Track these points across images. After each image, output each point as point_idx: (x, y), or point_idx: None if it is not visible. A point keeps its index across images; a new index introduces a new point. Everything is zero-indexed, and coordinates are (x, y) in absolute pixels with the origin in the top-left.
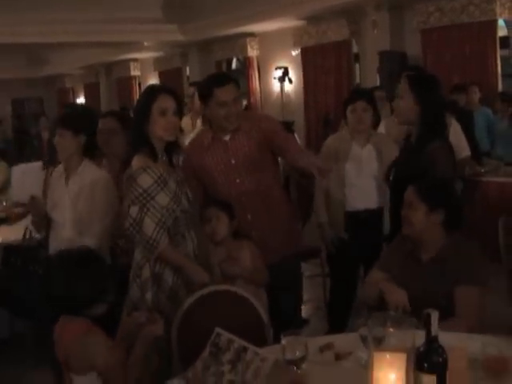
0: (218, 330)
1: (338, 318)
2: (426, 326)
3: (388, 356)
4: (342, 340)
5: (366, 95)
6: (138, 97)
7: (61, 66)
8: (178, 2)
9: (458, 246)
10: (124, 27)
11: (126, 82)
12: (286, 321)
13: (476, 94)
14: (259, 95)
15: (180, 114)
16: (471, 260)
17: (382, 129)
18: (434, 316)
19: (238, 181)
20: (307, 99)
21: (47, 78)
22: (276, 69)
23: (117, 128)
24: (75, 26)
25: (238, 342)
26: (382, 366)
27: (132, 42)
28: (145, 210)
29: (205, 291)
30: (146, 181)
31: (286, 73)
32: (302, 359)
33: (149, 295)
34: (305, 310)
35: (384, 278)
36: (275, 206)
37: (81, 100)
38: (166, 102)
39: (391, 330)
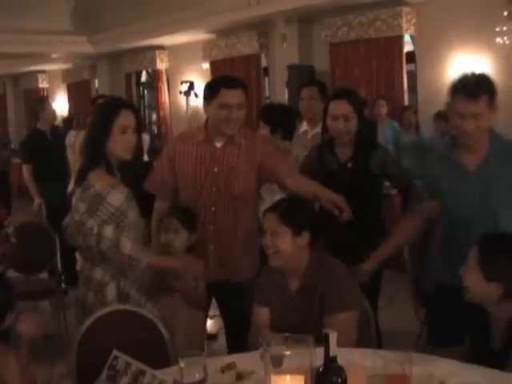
0: (115, 352)
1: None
2: (325, 346)
3: (288, 378)
4: (243, 359)
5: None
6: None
7: None
8: (87, 13)
9: (322, 269)
10: (32, 38)
11: (34, 94)
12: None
13: (383, 108)
14: (168, 109)
15: (139, 131)
16: (337, 285)
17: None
18: (333, 336)
19: (213, 189)
20: None
21: None
22: (182, 83)
23: None
24: None
25: (136, 364)
26: None
27: (40, 54)
28: (120, 228)
29: (103, 311)
30: (116, 199)
31: (191, 87)
32: (202, 382)
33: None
34: (213, 325)
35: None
36: (242, 228)
37: None
38: (128, 120)
39: (287, 352)
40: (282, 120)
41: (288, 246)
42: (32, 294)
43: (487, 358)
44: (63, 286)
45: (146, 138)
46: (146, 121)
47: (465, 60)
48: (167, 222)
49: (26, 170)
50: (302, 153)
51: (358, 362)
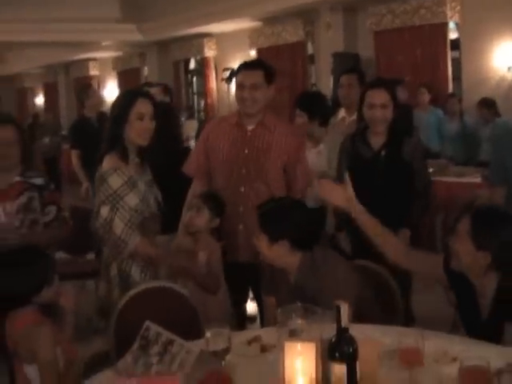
0: (147, 323)
1: None
2: (337, 317)
3: (299, 346)
4: (269, 333)
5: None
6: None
7: (19, 65)
8: (136, 2)
9: (314, 272)
10: (82, 26)
11: (85, 82)
12: None
13: (425, 95)
14: (216, 95)
15: (157, 119)
16: (326, 292)
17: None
18: (344, 308)
19: (243, 171)
20: None
21: (5, 78)
22: (223, 70)
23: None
24: (34, 25)
25: (166, 334)
26: (293, 354)
27: (90, 42)
28: (114, 210)
29: (140, 288)
30: (116, 181)
31: (233, 74)
32: (225, 351)
33: (116, 292)
34: (253, 307)
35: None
36: None
37: (40, 100)
38: (144, 107)
39: (302, 322)
40: (318, 107)
41: (266, 250)
42: (80, 274)
43: (476, 330)
44: None
45: (194, 124)
46: (195, 107)
47: (510, 47)
48: (193, 200)
49: (74, 156)
50: (339, 139)
51: (372, 336)
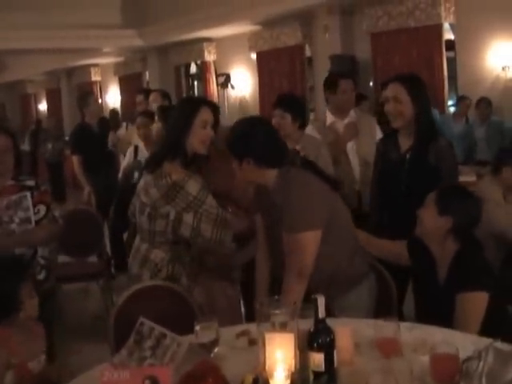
0: (141, 319)
1: None
2: (315, 309)
3: (277, 336)
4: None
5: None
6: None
7: (22, 71)
8: (136, 7)
9: (284, 187)
10: (83, 33)
11: (87, 88)
12: None
13: None
14: (217, 100)
15: (216, 126)
16: (291, 205)
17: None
18: (321, 300)
19: None
20: (262, 102)
21: (8, 84)
22: (218, 75)
23: None
24: (36, 31)
25: (158, 329)
26: (273, 344)
27: (92, 48)
28: (198, 215)
29: (139, 286)
30: (194, 188)
31: (227, 79)
32: (214, 343)
33: None
34: None
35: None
36: None
37: (43, 106)
38: (208, 115)
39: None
40: (301, 109)
41: (238, 172)
42: (82, 276)
43: (432, 299)
44: (113, 271)
45: None
46: None
47: (504, 47)
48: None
49: (75, 161)
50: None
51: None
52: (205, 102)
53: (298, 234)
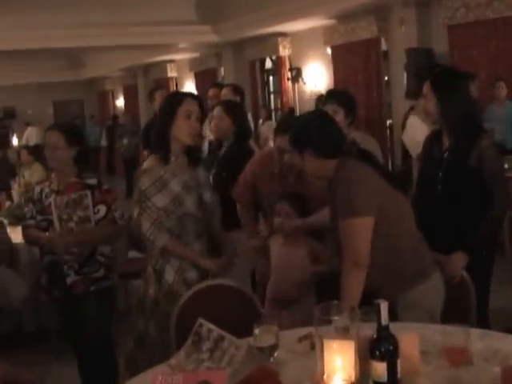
0: (200, 320)
1: None
2: (377, 316)
3: (335, 343)
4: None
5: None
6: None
7: (100, 68)
8: (210, 3)
9: (338, 175)
10: (159, 29)
11: (163, 83)
12: None
13: (503, 89)
14: (291, 94)
15: (202, 119)
16: (345, 191)
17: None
18: (384, 305)
19: None
20: None
21: (87, 81)
22: (289, 70)
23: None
24: (113, 29)
25: (217, 331)
26: (332, 351)
27: (168, 44)
28: (141, 210)
29: (202, 285)
30: (144, 183)
31: (298, 73)
32: (273, 347)
33: (151, 290)
34: None
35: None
36: None
37: (120, 102)
38: (191, 106)
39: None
40: (354, 106)
41: (301, 163)
42: None
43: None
44: None
45: (271, 125)
46: (272, 106)
47: None
48: (279, 206)
49: (147, 155)
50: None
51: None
52: (189, 94)
53: (348, 220)
